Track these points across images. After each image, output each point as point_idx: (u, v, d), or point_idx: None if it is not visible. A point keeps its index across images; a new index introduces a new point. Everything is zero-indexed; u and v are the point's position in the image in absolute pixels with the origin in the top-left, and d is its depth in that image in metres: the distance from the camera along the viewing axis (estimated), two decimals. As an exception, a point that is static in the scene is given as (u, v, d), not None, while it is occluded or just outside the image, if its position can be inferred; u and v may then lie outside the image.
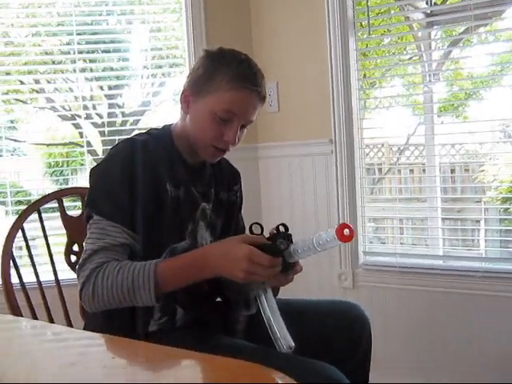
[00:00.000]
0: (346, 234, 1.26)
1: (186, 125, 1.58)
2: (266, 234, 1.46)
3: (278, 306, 1.42)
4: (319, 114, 2.78)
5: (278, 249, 1.37)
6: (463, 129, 3.40)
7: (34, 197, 2.95)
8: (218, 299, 1.74)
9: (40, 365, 0.96)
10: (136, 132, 1.77)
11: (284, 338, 1.35)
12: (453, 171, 4.20)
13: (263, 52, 2.92)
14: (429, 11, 2.82)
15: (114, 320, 1.47)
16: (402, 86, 4.11)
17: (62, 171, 4.47)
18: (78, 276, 1.44)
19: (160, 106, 3.40)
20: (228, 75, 1.50)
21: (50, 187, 3.78)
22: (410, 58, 3.69)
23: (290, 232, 1.43)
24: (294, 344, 1.35)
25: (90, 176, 1.55)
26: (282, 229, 1.43)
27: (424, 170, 3.09)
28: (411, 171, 4.32)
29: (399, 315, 2.66)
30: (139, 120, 3.45)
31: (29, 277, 1.78)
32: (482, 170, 3.61)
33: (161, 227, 1.51)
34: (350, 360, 1.60)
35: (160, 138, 1.59)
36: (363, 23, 2.77)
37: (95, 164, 1.62)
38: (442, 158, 3.41)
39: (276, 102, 2.90)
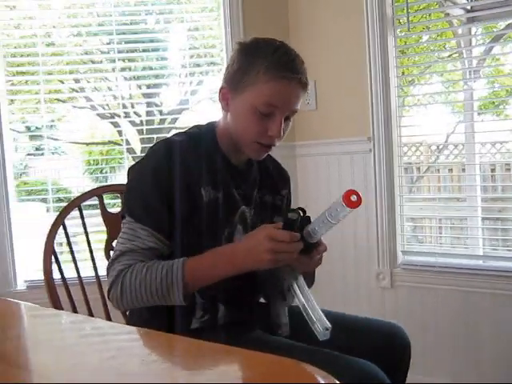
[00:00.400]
0: (353, 199, 1.25)
1: (227, 123, 1.54)
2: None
3: (331, 317, 1.40)
4: (357, 112, 2.76)
5: (291, 221, 1.36)
6: (504, 127, 3.33)
7: (74, 194, 3.00)
8: (262, 300, 1.73)
9: (79, 359, 0.97)
10: (174, 131, 1.74)
11: (319, 320, 1.35)
12: (493, 170, 4.12)
13: (301, 50, 2.80)
14: (469, 7, 2.77)
15: (156, 317, 1.48)
16: (441, 83, 4.06)
17: (102, 169, 4.55)
18: (107, 275, 1.45)
19: (198, 104, 3.42)
20: (264, 65, 1.43)
21: (90, 185, 3.84)
22: (450, 56, 3.62)
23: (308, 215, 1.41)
24: (330, 325, 1.34)
25: (127, 174, 1.55)
26: (300, 212, 1.42)
27: (463, 170, 3.04)
28: (450, 170, 4.25)
29: (437, 315, 2.63)
30: (177, 119, 3.48)
31: (70, 272, 1.81)
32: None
33: (195, 232, 1.49)
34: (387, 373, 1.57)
35: (201, 137, 1.55)
36: (402, 20, 2.74)
37: (133, 162, 1.60)
38: (482, 157, 3.35)
39: (314, 100, 2.89)
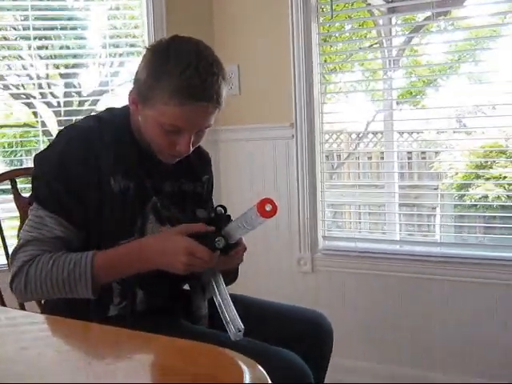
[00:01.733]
0: (267, 209, 1.24)
1: (140, 121, 1.45)
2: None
3: (247, 306, 1.40)
4: (280, 97, 2.76)
5: (216, 248, 1.35)
6: (421, 117, 3.45)
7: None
8: (186, 287, 1.71)
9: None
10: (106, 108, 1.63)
11: (233, 321, 1.34)
12: (410, 158, 4.26)
13: (225, 34, 2.88)
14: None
15: (72, 305, 1.42)
16: (361, 72, 4.14)
17: (16, 153, 4.35)
18: (9, 264, 1.39)
19: (119, 87, 3.33)
20: (170, 88, 1.32)
21: (4, 170, 3.68)
22: (371, 45, 3.70)
23: (228, 213, 1.41)
24: (243, 327, 1.34)
25: (33, 161, 1.46)
26: (220, 210, 1.41)
27: (382, 158, 3.12)
28: (369, 158, 4.36)
29: (357, 299, 2.69)
30: (98, 101, 3.37)
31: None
32: (438, 159, 3.68)
33: (106, 223, 1.43)
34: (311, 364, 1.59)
35: (113, 123, 1.48)
36: (325, 8, 2.76)
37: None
38: (399, 145, 3.45)
39: (237, 84, 2.86)
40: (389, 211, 2.86)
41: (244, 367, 0.78)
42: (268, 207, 1.23)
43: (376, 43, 3.57)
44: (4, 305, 1.71)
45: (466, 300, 2.46)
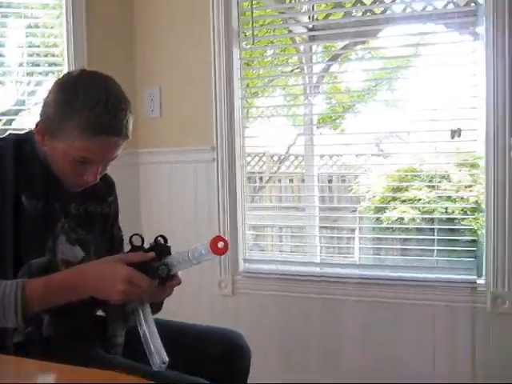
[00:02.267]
0: (220, 246, 1.25)
1: (45, 149, 1.44)
2: (147, 244, 1.43)
3: (162, 326, 1.38)
4: (202, 121, 2.76)
5: (159, 275, 1.34)
6: (340, 141, 3.54)
7: None
8: (100, 312, 1.68)
9: None
10: (9, 132, 1.62)
11: (158, 353, 1.32)
12: (330, 181, 4.35)
13: (146, 55, 2.87)
14: (311, 26, 2.90)
15: None
16: (283, 97, 4.21)
17: None
18: None
19: (36, 106, 3.23)
20: (80, 124, 1.34)
21: None
22: (292, 70, 3.78)
23: (168, 244, 1.40)
24: (167, 359, 1.32)
25: None
26: (160, 240, 1.41)
27: (303, 180, 3.17)
28: (291, 181, 4.42)
29: (278, 321, 2.70)
30: (13, 120, 3.26)
31: None
32: (357, 182, 3.77)
33: (16, 242, 1.38)
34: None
35: (20, 144, 1.46)
36: (248, 33, 2.80)
37: None
38: (320, 168, 3.53)
39: (158, 107, 2.84)
40: (309, 234, 2.90)
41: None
42: (220, 245, 1.25)
43: (297, 68, 3.65)
44: None
45: (385, 320, 2.53)
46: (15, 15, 2.91)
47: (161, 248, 1.38)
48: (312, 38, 2.89)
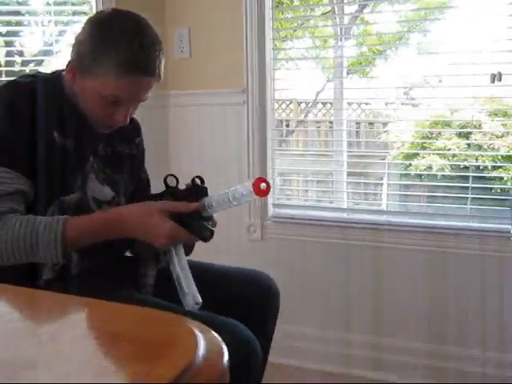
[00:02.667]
0: (262, 188, 1.24)
1: (75, 88, 1.45)
2: (181, 185, 1.43)
3: (192, 267, 1.39)
4: (232, 63, 2.71)
5: (202, 235, 1.34)
6: (370, 87, 3.46)
7: None
8: (128, 254, 1.69)
9: None
10: (37, 71, 1.62)
11: (191, 294, 1.33)
12: (358, 129, 4.30)
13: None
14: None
15: (5, 269, 1.37)
16: (312, 41, 4.10)
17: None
18: None
19: (64, 48, 3.20)
20: (115, 62, 1.35)
21: None
22: (323, 14, 3.67)
23: (205, 185, 1.40)
24: (201, 300, 1.33)
25: None
26: (197, 181, 1.40)
27: (331, 128, 3.13)
28: (318, 128, 4.36)
29: (305, 266, 2.70)
30: (42, 61, 3.24)
31: None
32: (386, 130, 3.71)
33: (51, 177, 1.41)
34: (258, 327, 1.60)
35: (48, 82, 1.47)
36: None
37: None
38: (349, 115, 3.47)
39: (188, 48, 2.79)
40: (337, 180, 2.87)
41: (198, 333, 0.77)
42: (263, 186, 1.24)
43: (328, 12, 3.54)
44: None
45: (409, 266, 2.52)
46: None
47: (198, 189, 1.38)
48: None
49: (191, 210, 1.36)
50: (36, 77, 1.48)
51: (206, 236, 1.34)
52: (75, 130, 1.47)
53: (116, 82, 1.37)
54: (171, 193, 1.43)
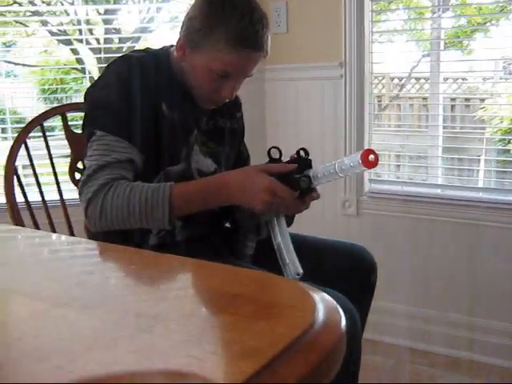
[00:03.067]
0: (370, 159, 1.23)
1: (182, 66, 1.51)
2: (285, 158, 1.44)
3: (293, 239, 1.40)
4: (329, 36, 2.68)
5: (300, 187, 1.35)
6: (467, 63, 3.35)
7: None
8: (227, 225, 1.72)
9: (58, 275, 0.93)
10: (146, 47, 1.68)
11: (293, 264, 1.35)
12: (454, 104, 4.16)
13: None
14: None
15: (113, 236, 1.44)
16: (407, 14, 3.99)
17: (57, 96, 4.36)
18: (80, 193, 1.39)
19: (158, 30, 3.28)
20: (226, 35, 1.39)
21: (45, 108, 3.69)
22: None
23: (310, 157, 1.40)
24: (302, 271, 1.34)
25: (86, 96, 1.50)
26: (302, 153, 1.40)
27: (425, 104, 3.04)
28: (410, 106, 4.26)
29: (401, 242, 2.67)
30: (139, 39, 3.34)
31: (32, 196, 1.74)
32: (483, 107, 3.57)
33: (158, 148, 1.47)
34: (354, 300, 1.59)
35: (157, 57, 1.53)
36: None
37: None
38: (444, 90, 3.36)
39: (285, 22, 2.78)
40: (432, 155, 2.80)
41: (316, 297, 0.78)
42: (371, 158, 1.23)
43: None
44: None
45: (506, 244, 2.45)
46: None
47: (303, 160, 1.38)
48: None
49: (290, 169, 1.38)
50: (146, 52, 1.54)
51: (305, 186, 1.35)
52: (181, 103, 1.51)
53: (226, 56, 1.41)
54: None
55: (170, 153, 1.50)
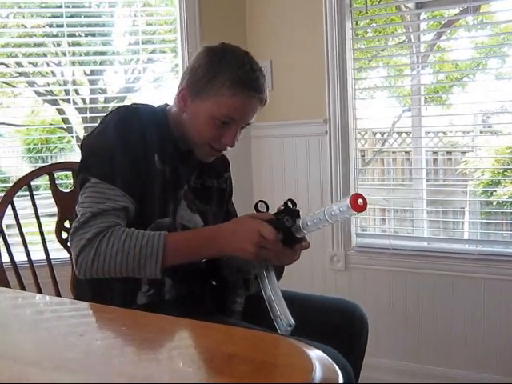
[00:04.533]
0: (360, 203, 1.24)
1: (182, 118, 1.54)
2: (271, 212, 1.44)
3: (283, 296, 1.39)
4: (314, 93, 2.74)
5: (284, 225, 1.35)
6: (447, 117, 3.42)
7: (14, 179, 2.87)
8: (213, 283, 1.71)
9: (47, 338, 0.91)
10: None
11: (285, 316, 1.34)
12: (436, 159, 4.22)
13: (257, 29, 2.88)
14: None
15: (102, 295, 1.43)
16: (387, 70, 4.09)
17: (42, 153, 4.38)
18: (71, 240, 1.38)
19: (141, 90, 3.31)
20: (229, 80, 1.45)
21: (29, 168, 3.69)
22: (399, 43, 3.66)
23: (297, 208, 1.41)
24: (294, 322, 1.33)
25: (82, 145, 1.52)
26: (290, 204, 1.41)
27: (408, 159, 3.10)
28: (393, 160, 4.32)
29: (390, 297, 2.66)
30: (125, 98, 3.38)
31: (19, 256, 1.72)
32: (465, 160, 3.64)
33: (150, 199, 1.47)
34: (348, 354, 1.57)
35: (155, 111, 1.56)
36: (359, 2, 2.74)
37: (77, 146, 1.58)
38: (426, 144, 3.42)
39: (270, 80, 2.84)
40: (417, 208, 2.82)
41: (312, 355, 0.77)
42: (360, 201, 1.24)
43: (403, 41, 3.53)
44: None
45: (497, 296, 2.44)
46: (124, 3, 2.97)
47: (290, 211, 1.38)
48: (419, 6, 2.79)
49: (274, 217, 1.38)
50: (144, 105, 1.58)
51: (289, 225, 1.35)
52: (172, 158, 1.53)
53: (229, 99, 1.46)
54: None
55: (160, 205, 1.50)
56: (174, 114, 1.56)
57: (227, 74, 1.45)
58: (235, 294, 1.57)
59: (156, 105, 1.63)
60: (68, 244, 1.44)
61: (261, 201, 1.47)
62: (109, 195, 1.39)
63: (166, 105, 1.61)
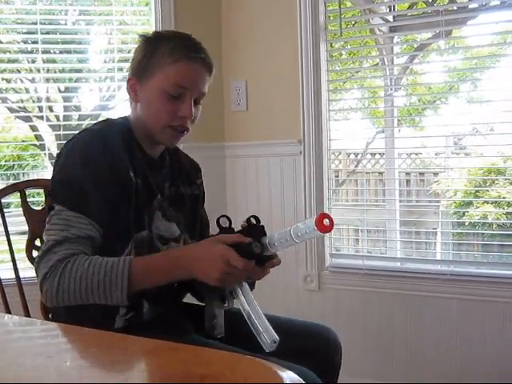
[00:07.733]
0: (325, 224, 1.21)
1: (138, 114, 1.53)
2: (234, 227, 1.43)
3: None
4: (288, 113, 2.75)
5: (253, 252, 1.33)
6: (419, 139, 3.48)
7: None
8: (185, 300, 1.70)
9: (15, 359, 0.89)
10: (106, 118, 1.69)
11: (267, 332, 1.29)
12: (409, 180, 4.28)
13: (232, 50, 2.89)
14: (391, 17, 2.85)
15: (78, 318, 1.37)
16: (361, 92, 4.15)
17: (14, 172, 4.32)
18: (37, 269, 1.35)
19: (116, 108, 3.30)
20: (169, 48, 1.47)
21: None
22: (373, 65, 3.72)
23: (262, 223, 1.40)
24: (278, 338, 1.30)
25: (54, 168, 1.49)
26: (253, 221, 1.40)
27: (381, 178, 3.13)
28: (367, 181, 4.37)
29: (363, 317, 2.66)
30: (99, 115, 3.36)
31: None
32: (437, 181, 3.69)
33: (126, 216, 1.45)
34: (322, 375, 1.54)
35: (117, 126, 1.54)
36: (333, 25, 2.77)
37: (50, 164, 1.56)
38: (400, 165, 3.46)
39: (244, 100, 2.86)
40: (390, 228, 2.84)
41: (285, 376, 0.77)
42: (326, 222, 1.21)
43: (377, 64, 3.59)
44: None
45: (470, 317, 2.45)
46: (100, 21, 2.97)
47: (255, 228, 1.37)
48: (393, 30, 2.84)
49: (242, 240, 1.35)
50: (105, 123, 1.56)
51: (258, 251, 1.32)
52: (141, 166, 1.51)
53: (173, 67, 1.46)
54: (226, 234, 1.43)
55: (135, 219, 1.48)
56: (133, 117, 1.56)
57: (165, 44, 1.48)
58: (213, 306, 1.54)
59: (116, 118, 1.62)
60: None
61: (223, 215, 1.44)
62: (73, 222, 1.37)
63: (127, 116, 1.60)
